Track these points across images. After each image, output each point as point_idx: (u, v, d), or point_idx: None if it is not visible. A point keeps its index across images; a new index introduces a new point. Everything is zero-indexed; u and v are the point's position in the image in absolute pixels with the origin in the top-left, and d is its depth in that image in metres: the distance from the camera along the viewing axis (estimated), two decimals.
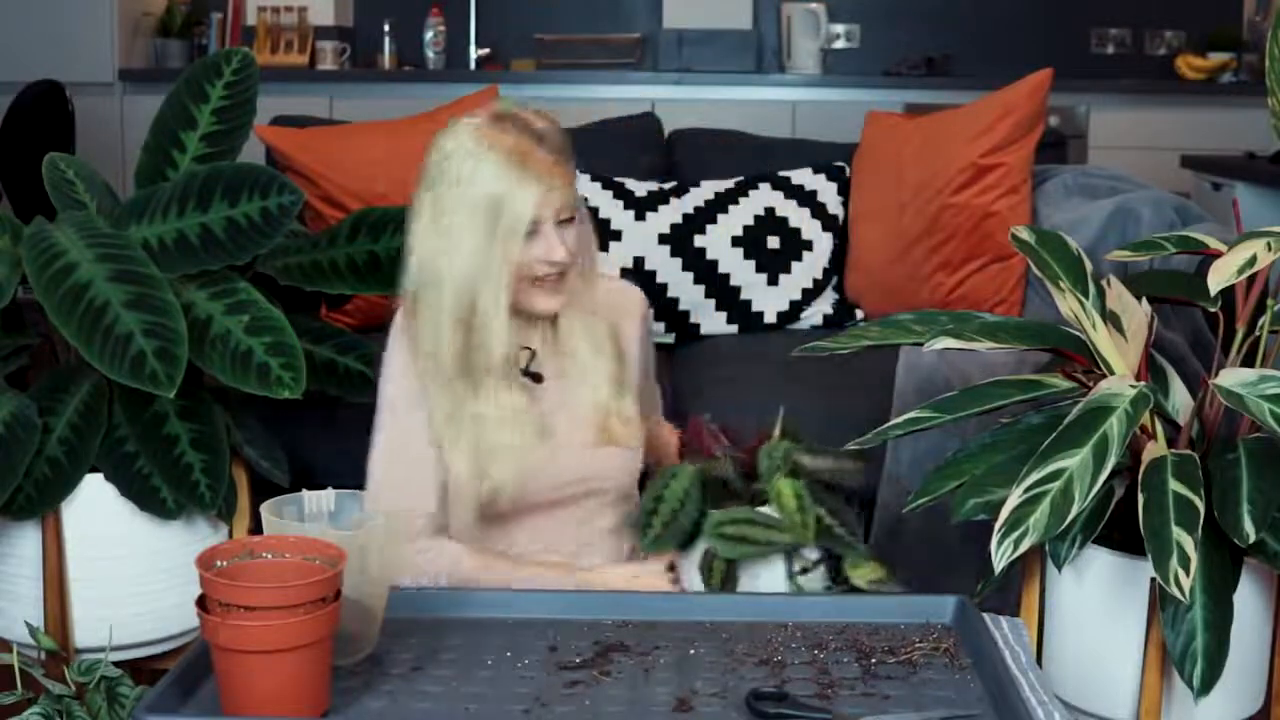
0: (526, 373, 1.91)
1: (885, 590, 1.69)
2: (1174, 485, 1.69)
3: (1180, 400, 1.96)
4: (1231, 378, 1.75)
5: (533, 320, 1.91)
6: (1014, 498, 1.70)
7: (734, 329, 3.08)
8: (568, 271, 1.86)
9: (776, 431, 1.78)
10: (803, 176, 3.15)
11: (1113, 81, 5.60)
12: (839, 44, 5.91)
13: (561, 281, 1.86)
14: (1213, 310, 1.91)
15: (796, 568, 1.70)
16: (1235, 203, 4.19)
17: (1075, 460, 1.69)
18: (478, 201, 1.79)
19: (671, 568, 1.79)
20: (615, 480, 1.93)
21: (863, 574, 1.71)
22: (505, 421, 1.85)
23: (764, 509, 1.72)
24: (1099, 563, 1.83)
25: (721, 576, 1.70)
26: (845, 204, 3.13)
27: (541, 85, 5.42)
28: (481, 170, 1.80)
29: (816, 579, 1.71)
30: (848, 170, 3.17)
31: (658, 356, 2.19)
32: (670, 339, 3.05)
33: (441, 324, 1.83)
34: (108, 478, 2.12)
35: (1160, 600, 1.74)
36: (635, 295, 2.05)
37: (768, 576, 1.71)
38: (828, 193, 3.13)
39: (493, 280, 1.81)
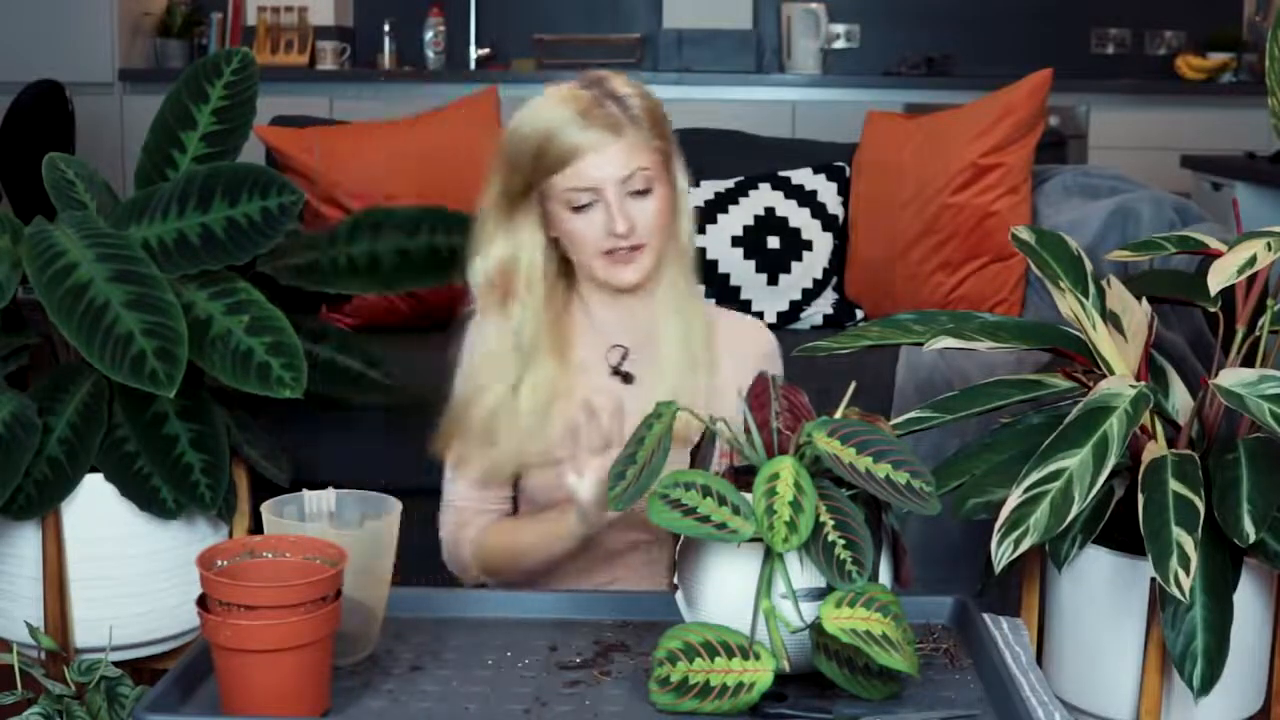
0: (617, 371, 1.85)
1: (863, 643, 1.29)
2: (1174, 485, 1.69)
3: (1180, 400, 1.96)
4: (1231, 378, 1.75)
5: (626, 317, 1.85)
6: (1014, 498, 1.70)
7: None
8: (643, 246, 1.77)
9: (841, 409, 1.44)
10: (803, 176, 3.15)
11: (1113, 81, 5.60)
12: (839, 44, 5.91)
13: (636, 255, 1.77)
14: (1213, 310, 1.91)
15: (782, 588, 1.33)
16: (1235, 203, 4.19)
17: (1075, 460, 1.69)
18: (528, 139, 1.75)
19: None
20: None
21: (840, 619, 1.30)
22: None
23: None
24: (1099, 563, 1.83)
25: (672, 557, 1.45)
26: (845, 204, 3.13)
27: (541, 85, 5.40)
28: (540, 112, 1.76)
29: (795, 612, 1.33)
30: (848, 170, 3.17)
31: None
32: None
33: (505, 282, 1.80)
34: (108, 478, 2.12)
35: (1160, 600, 1.74)
36: (756, 334, 1.94)
37: (732, 576, 1.36)
38: (828, 193, 3.13)
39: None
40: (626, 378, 1.85)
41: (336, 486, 1.49)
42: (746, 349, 1.88)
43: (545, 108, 1.77)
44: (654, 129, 1.77)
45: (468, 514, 1.86)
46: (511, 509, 1.89)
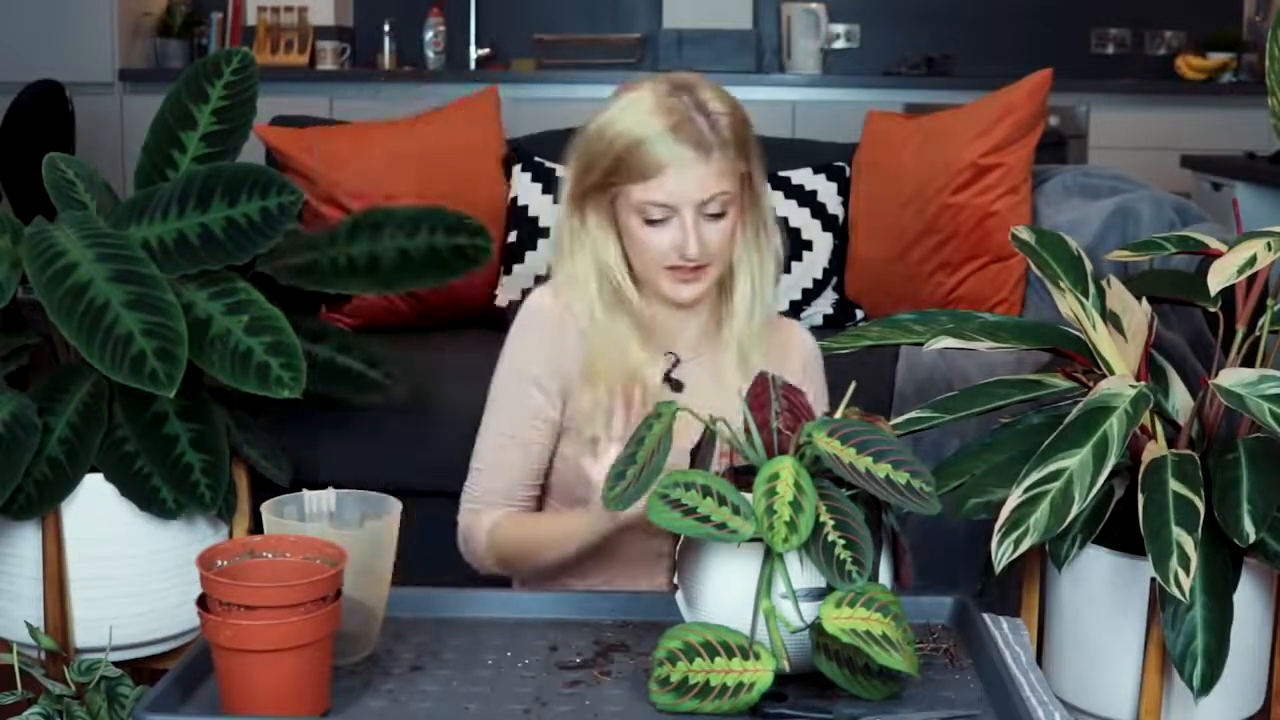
0: (667, 378, 1.83)
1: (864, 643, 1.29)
2: (1174, 485, 1.69)
3: (1180, 400, 1.96)
4: (1231, 378, 1.75)
5: (682, 324, 1.83)
6: (1014, 498, 1.70)
7: None
8: (708, 267, 1.76)
9: (841, 409, 1.44)
10: (803, 176, 3.15)
11: (1113, 81, 5.60)
12: (839, 44, 5.91)
13: (699, 274, 1.75)
14: (1213, 310, 1.91)
15: (782, 588, 1.34)
16: (1235, 203, 4.19)
17: (1075, 460, 1.69)
18: (613, 142, 1.72)
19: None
20: None
21: (840, 619, 1.30)
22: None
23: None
24: (1099, 563, 1.83)
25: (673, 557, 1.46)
26: (845, 204, 3.13)
27: (541, 85, 5.42)
28: (630, 117, 1.73)
29: (795, 612, 1.33)
30: (848, 170, 3.17)
31: None
32: None
33: (587, 280, 1.78)
34: (108, 478, 2.12)
35: (1160, 600, 1.74)
36: (801, 339, 1.92)
37: (732, 576, 1.36)
38: (828, 193, 3.13)
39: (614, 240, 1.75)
40: (676, 385, 1.84)
41: (336, 486, 1.49)
42: (791, 357, 1.88)
43: (635, 113, 1.74)
44: (739, 150, 1.76)
45: (488, 504, 1.86)
46: (535, 506, 1.89)
